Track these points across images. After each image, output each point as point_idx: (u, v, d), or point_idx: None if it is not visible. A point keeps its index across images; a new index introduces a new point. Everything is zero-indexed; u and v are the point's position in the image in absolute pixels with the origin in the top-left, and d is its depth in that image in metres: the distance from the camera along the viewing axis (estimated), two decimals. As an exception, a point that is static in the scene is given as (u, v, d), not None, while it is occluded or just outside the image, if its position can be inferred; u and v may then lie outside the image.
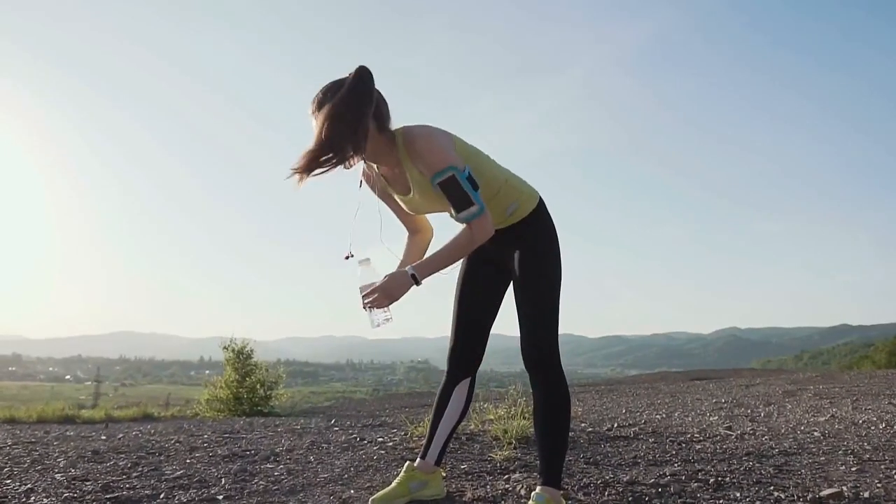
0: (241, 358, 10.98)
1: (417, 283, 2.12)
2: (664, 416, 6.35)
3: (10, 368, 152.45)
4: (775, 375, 14.41)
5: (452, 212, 2.17)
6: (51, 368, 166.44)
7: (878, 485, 2.76)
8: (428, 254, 2.31)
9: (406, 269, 2.12)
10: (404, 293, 2.12)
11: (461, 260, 2.33)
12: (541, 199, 2.42)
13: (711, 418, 5.76)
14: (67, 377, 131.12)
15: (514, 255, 2.37)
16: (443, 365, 2.62)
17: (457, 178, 2.11)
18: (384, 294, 2.11)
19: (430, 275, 2.15)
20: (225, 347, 11.19)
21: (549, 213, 2.42)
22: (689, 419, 5.81)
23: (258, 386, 10.89)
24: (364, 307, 2.19)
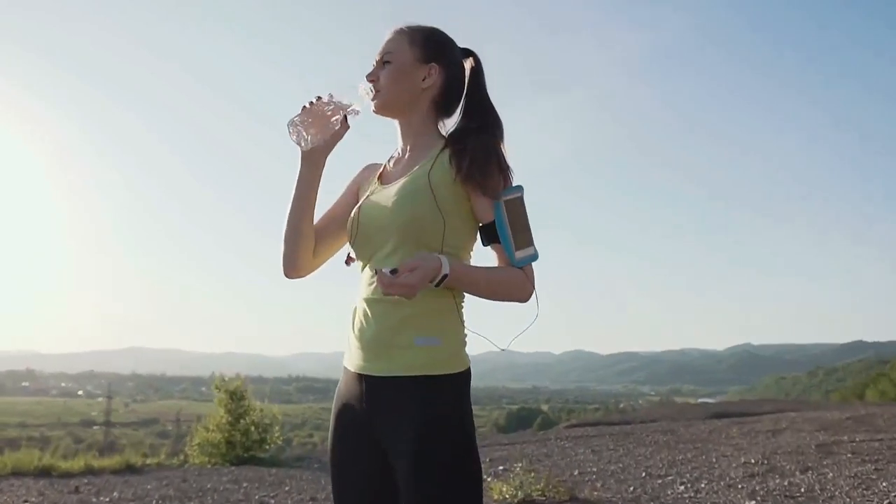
0: (235, 398, 10.33)
1: (440, 281, 1.51)
2: (691, 490, 5.67)
3: (23, 384, 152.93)
4: (801, 414, 13.60)
5: (506, 250, 1.59)
6: (63, 384, 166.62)
7: None
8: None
9: (440, 256, 1.52)
10: (427, 283, 1.49)
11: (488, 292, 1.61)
12: (470, 369, 1.62)
13: None
14: (80, 392, 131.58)
15: (410, 440, 1.53)
16: None
17: (524, 201, 1.63)
18: (420, 274, 1.46)
19: (460, 284, 1.57)
20: (217, 387, 10.58)
21: (469, 397, 1.60)
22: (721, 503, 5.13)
23: (252, 428, 10.25)
24: (291, 125, 1.66)
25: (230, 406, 10.34)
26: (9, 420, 69.42)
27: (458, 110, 1.76)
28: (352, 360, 1.69)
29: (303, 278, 1.82)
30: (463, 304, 1.66)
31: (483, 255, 1.72)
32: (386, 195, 1.69)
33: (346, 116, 1.69)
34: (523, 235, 1.60)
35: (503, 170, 1.61)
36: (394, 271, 1.45)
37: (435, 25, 1.77)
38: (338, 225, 1.82)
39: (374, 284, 1.62)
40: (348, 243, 1.77)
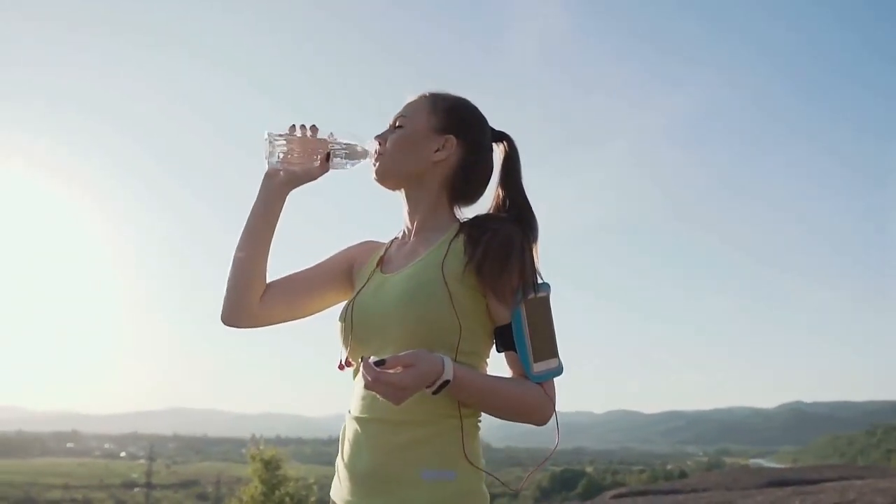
0: (270, 468, 10.19)
1: (438, 388, 1.20)
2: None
3: (67, 444, 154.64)
4: (868, 483, 12.91)
5: (522, 361, 1.29)
6: (106, 445, 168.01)
7: None
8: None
9: (443, 358, 1.21)
10: (421, 387, 1.18)
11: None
12: None
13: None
14: (122, 454, 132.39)
15: None
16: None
17: (549, 303, 1.33)
18: (414, 375, 1.16)
19: (464, 395, 1.25)
20: (252, 457, 10.48)
21: None
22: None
23: (287, 499, 10.09)
24: (270, 137, 1.42)
25: (265, 476, 10.22)
26: (53, 481, 69.99)
27: (490, 202, 1.47)
28: (339, 493, 1.35)
29: (242, 329, 1.49)
30: (479, 422, 1.35)
31: (497, 362, 1.41)
32: (389, 287, 1.38)
33: (329, 156, 1.45)
34: (546, 344, 1.30)
35: (525, 270, 1.29)
36: (381, 362, 1.16)
37: (467, 98, 1.50)
38: (310, 285, 1.53)
39: (370, 399, 1.28)
40: (342, 344, 1.44)
